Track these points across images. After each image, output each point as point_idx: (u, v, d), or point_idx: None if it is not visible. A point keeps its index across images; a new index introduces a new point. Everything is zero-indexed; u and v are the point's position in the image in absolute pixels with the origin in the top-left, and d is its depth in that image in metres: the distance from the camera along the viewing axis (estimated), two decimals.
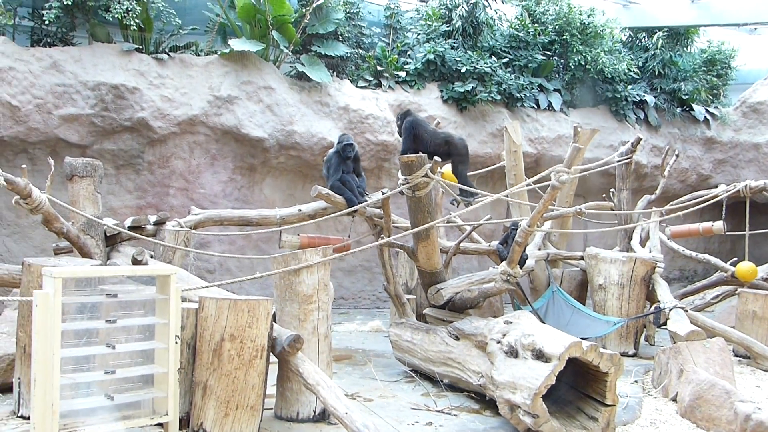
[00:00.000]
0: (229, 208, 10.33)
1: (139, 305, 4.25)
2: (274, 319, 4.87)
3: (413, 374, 6.65)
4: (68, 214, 6.02)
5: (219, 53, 11.10)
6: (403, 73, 12.71)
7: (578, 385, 5.23)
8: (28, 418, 4.20)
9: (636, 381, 6.99)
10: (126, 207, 10.52)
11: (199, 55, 11.15)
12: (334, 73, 12.20)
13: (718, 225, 9.82)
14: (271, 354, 4.61)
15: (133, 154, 10.57)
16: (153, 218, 6.60)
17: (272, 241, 10.92)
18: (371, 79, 12.57)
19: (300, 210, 7.35)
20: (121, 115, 10.21)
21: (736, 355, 8.35)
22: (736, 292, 9.42)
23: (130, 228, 6.34)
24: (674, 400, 6.18)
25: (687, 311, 7.66)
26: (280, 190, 11.85)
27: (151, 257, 5.98)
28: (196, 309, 4.53)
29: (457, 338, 6.04)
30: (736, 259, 9.95)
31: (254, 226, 7.37)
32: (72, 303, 3.93)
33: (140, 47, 10.62)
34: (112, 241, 6.46)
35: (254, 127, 11.04)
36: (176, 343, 4.21)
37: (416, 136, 7.05)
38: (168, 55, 10.76)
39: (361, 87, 12.36)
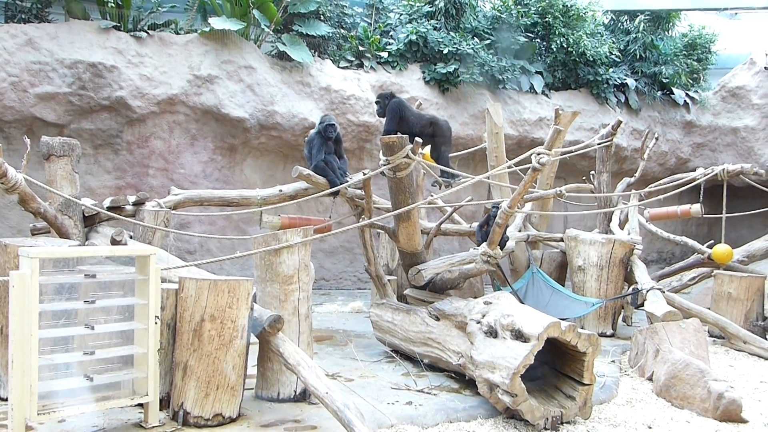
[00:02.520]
0: (210, 188, 10.27)
1: (119, 286, 4.22)
2: (254, 300, 4.86)
3: (394, 354, 6.69)
4: (45, 194, 5.95)
5: (199, 32, 10.99)
6: (385, 54, 12.65)
7: (557, 364, 5.29)
8: (6, 400, 4.18)
9: (613, 361, 7.08)
10: (105, 187, 10.43)
11: (178, 34, 11.02)
12: (316, 53, 12.13)
13: (696, 208, 9.92)
14: (251, 334, 4.61)
15: (112, 133, 10.46)
16: (132, 198, 6.54)
17: (253, 222, 10.89)
18: (353, 59, 12.50)
19: (281, 190, 7.32)
20: (99, 93, 10.09)
21: (711, 336, 8.48)
22: (712, 273, 9.56)
23: (109, 208, 6.28)
24: (650, 379, 6.27)
25: (664, 292, 7.75)
26: (261, 170, 11.80)
27: (131, 238, 5.93)
28: (176, 289, 4.51)
29: (437, 319, 6.07)
30: (712, 241, 10.07)
31: (235, 206, 7.33)
32: (50, 283, 3.90)
33: (118, 25, 10.48)
34: (90, 221, 6.39)
35: (235, 107, 10.96)
36: (156, 323, 4.20)
37: (402, 118, 7.05)
38: (147, 33, 10.63)
39: (343, 67, 12.30)
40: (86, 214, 6.32)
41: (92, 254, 4.24)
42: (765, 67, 15.29)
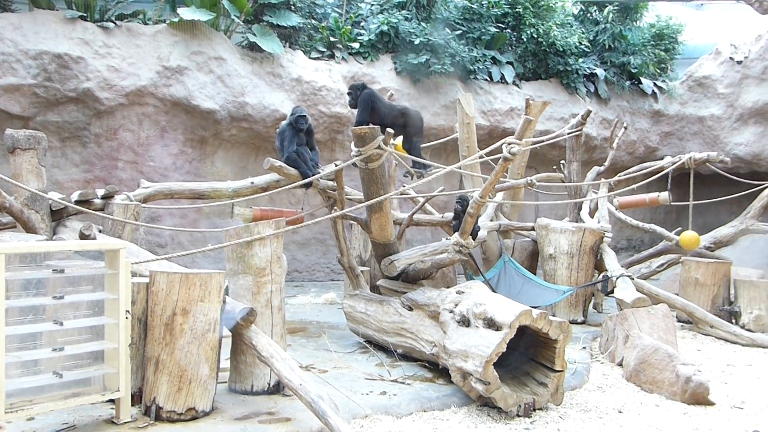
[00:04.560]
0: (180, 181, 10.18)
1: (88, 281, 4.16)
2: (227, 293, 4.82)
3: (367, 345, 6.69)
4: (11, 188, 5.84)
5: (168, 22, 10.84)
6: (356, 45, 12.60)
7: (529, 352, 5.33)
8: None
9: (584, 347, 7.15)
10: (72, 181, 10.27)
11: (146, 24, 10.87)
12: (287, 43, 12.03)
13: (664, 195, 10.04)
14: (224, 327, 4.58)
15: (79, 126, 10.30)
16: (101, 192, 6.45)
17: (225, 214, 10.81)
18: (324, 50, 12.43)
19: (252, 182, 7.27)
20: (66, 85, 9.92)
21: (679, 321, 8.60)
22: (680, 260, 9.69)
23: (77, 202, 6.19)
24: (620, 364, 6.34)
25: (633, 279, 7.84)
26: (232, 162, 11.71)
27: (100, 232, 5.85)
28: (147, 283, 4.46)
29: (410, 309, 6.08)
30: (680, 228, 10.20)
31: (206, 199, 7.27)
32: (16, 279, 3.83)
33: (84, 15, 10.30)
34: (58, 215, 6.29)
35: (205, 99, 10.85)
36: (127, 318, 4.15)
37: (373, 109, 7.02)
38: (114, 23, 10.46)
39: (314, 58, 12.23)
40: (53, 209, 6.22)
41: (60, 249, 4.16)
42: (730, 57, 15.48)
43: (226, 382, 5.05)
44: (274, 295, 5.12)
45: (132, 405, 4.31)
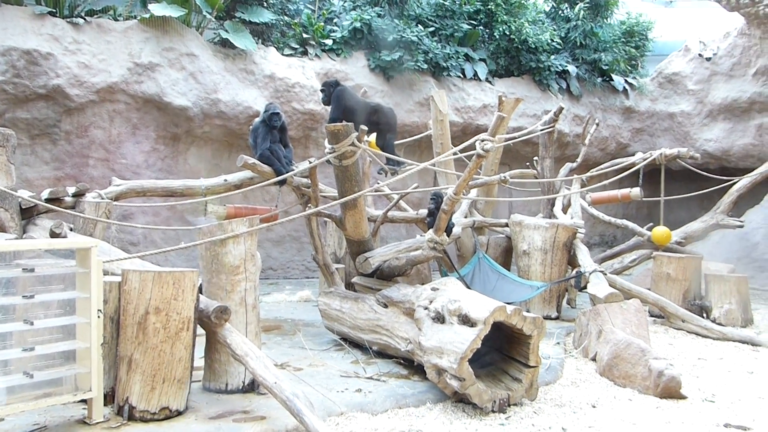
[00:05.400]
0: (153, 178, 10.08)
1: (59, 279, 4.10)
2: (200, 291, 4.79)
3: (342, 342, 6.68)
4: None
5: (138, 18, 10.73)
6: (329, 41, 12.57)
7: (503, 348, 5.36)
8: None
9: (558, 343, 7.21)
10: (43, 178, 10.13)
11: (117, 20, 10.74)
12: (259, 40, 11.97)
13: (636, 191, 10.17)
14: (197, 326, 4.55)
15: (49, 123, 10.15)
16: (72, 190, 6.36)
17: (198, 212, 10.74)
18: (297, 46, 12.39)
19: (226, 180, 7.22)
20: (35, 82, 9.77)
21: (651, 315, 8.71)
22: (652, 255, 9.81)
23: (48, 200, 6.09)
24: (594, 359, 6.41)
25: (606, 275, 7.91)
26: (205, 160, 11.64)
27: (71, 230, 5.77)
28: (119, 282, 4.41)
29: (385, 306, 6.08)
30: (652, 224, 10.35)
31: (179, 196, 7.20)
32: None
33: (54, 11, 10.15)
34: (28, 214, 6.19)
35: (177, 96, 10.77)
36: (99, 317, 4.10)
37: (347, 106, 7.02)
38: (84, 19, 10.33)
39: (287, 55, 12.18)
40: (23, 207, 6.12)
41: (30, 247, 4.10)
42: (699, 54, 15.70)
43: (200, 381, 5.02)
44: (248, 293, 5.10)
45: (105, 405, 4.26)
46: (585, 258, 8.49)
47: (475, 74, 14.02)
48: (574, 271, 8.48)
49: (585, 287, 7.87)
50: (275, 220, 7.36)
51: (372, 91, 12.09)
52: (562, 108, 9.65)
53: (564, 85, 15.16)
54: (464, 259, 9.28)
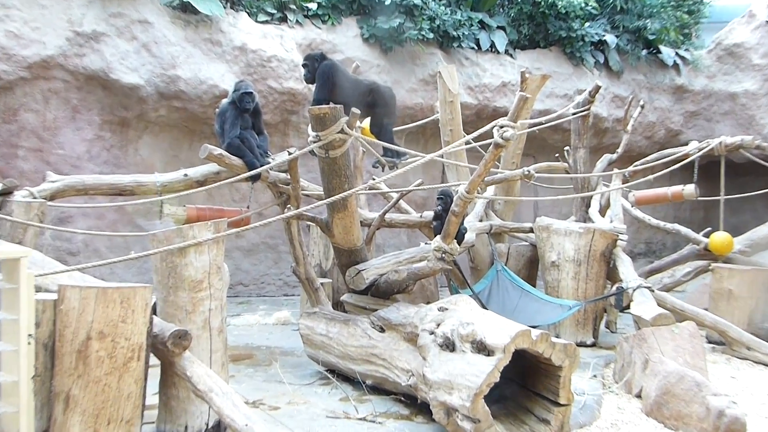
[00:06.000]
0: (96, 173, 10.06)
1: None
2: (154, 312, 4.78)
3: (329, 375, 6.67)
4: None
5: None
6: (313, 5, 12.56)
7: (527, 381, 5.35)
8: None
9: (595, 375, 7.20)
10: None
11: None
12: (228, 3, 11.97)
13: (690, 189, 10.16)
14: (151, 355, 4.53)
15: None
16: None
17: (152, 215, 10.70)
18: (274, 12, 12.38)
19: (186, 175, 7.22)
20: None
21: (709, 342, 8.70)
22: (710, 267, 9.78)
23: None
24: (638, 396, 6.40)
25: (653, 291, 7.90)
26: (161, 150, 11.63)
27: None
28: (55, 301, 4.40)
29: (382, 330, 6.08)
30: (710, 229, 10.33)
31: (128, 195, 7.20)
32: None
33: None
34: None
35: (127, 72, 10.76)
36: (29, 343, 4.09)
37: (335, 84, 7.01)
38: None
39: (262, 22, 12.17)
40: None
41: None
42: (767, 21, 15.69)
43: (153, 422, 5.01)
44: (213, 314, 5.09)
45: None
46: (628, 271, 8.48)
47: (493, 45, 14.03)
48: (614, 287, 8.47)
49: (628, 307, 7.86)
50: (247, 224, 7.35)
51: (366, 67, 12.09)
52: (599, 87, 9.65)
53: (601, 59, 15.18)
54: (479, 272, 9.28)
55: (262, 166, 6.80)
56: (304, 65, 7.31)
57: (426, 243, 7.80)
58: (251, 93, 7.06)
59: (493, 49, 14.06)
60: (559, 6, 14.19)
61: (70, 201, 8.16)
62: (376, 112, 7.39)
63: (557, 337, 5.95)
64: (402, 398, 5.93)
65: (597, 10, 15.05)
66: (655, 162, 10.04)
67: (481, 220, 9.43)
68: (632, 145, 13.26)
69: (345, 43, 12.55)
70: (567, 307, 8.14)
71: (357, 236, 6.75)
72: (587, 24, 14.76)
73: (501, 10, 14.48)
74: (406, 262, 6.87)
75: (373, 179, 7.51)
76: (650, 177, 8.95)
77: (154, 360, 4.60)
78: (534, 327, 5.13)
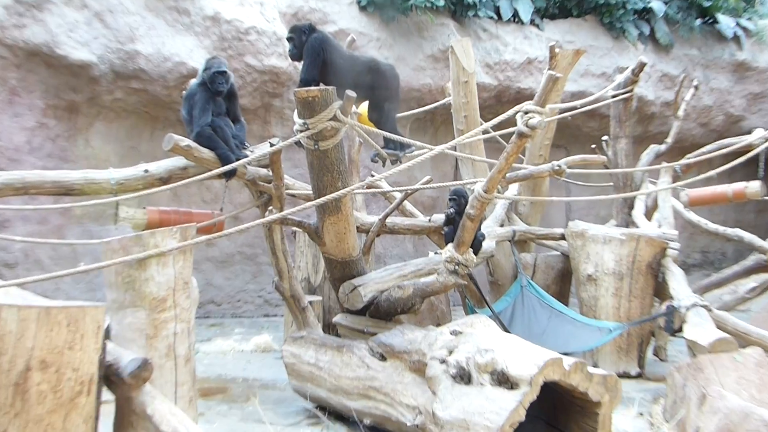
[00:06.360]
0: (39, 167, 10.06)
1: None
2: (107, 336, 4.77)
3: (319, 413, 6.67)
4: None
5: None
6: None
7: (558, 420, 5.34)
8: None
9: (641, 413, 7.19)
10: None
11: None
12: None
13: (754, 186, 10.16)
14: (104, 388, 4.53)
15: None
16: None
17: (105, 219, 10.72)
18: None
19: (147, 171, 7.19)
20: None
21: None
22: None
23: None
24: None
25: (711, 311, 7.89)
26: (117, 140, 11.64)
27: None
28: None
29: (382, 358, 6.07)
30: None
31: (77, 195, 7.19)
32: None
33: None
34: None
35: (76, 46, 10.77)
36: None
37: (327, 62, 7.01)
38: None
39: None
40: None
41: None
42: None
43: None
44: (179, 338, 5.08)
45: None
46: (680, 286, 8.47)
47: (516, 15, 14.05)
48: (663, 306, 8.47)
49: (680, 330, 7.86)
50: (220, 230, 7.35)
51: (363, 41, 12.10)
52: (644, 64, 9.65)
53: (646, 30, 15.19)
54: (500, 288, 9.28)
55: (238, 159, 6.79)
56: (289, 39, 7.30)
57: (436, 253, 7.80)
58: (225, 72, 7.05)
59: (516, 19, 14.08)
60: None
61: (7, 202, 8.16)
62: (376, 95, 7.39)
63: (595, 366, 5.93)
64: None
65: None
66: (713, 154, 10.03)
67: (502, 225, 9.43)
68: (684, 134, 13.26)
69: (338, 12, 12.57)
70: (606, 331, 8.12)
71: (352, 245, 6.75)
72: None
73: None
74: (411, 275, 6.86)
75: (372, 176, 7.49)
76: (709, 174, 8.92)
77: (107, 395, 4.60)
78: (567, 354, 5.12)
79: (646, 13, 15.05)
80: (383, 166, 7.40)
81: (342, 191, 6.17)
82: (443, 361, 5.40)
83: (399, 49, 12.80)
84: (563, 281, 9.61)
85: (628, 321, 8.45)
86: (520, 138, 5.31)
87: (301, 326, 7.46)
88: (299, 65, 7.25)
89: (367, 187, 7.85)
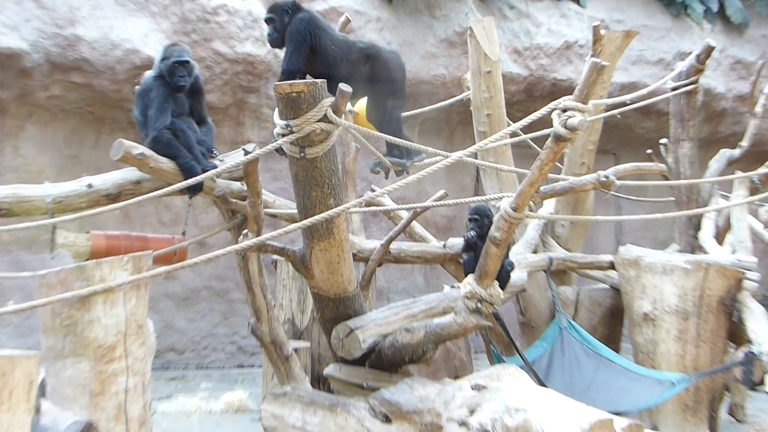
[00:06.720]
0: None
1: None
2: (42, 393, 4.77)
3: None
4: None
5: None
6: None
7: None
8: None
9: None
10: None
11: None
12: None
13: None
14: None
15: None
16: None
17: (40, 245, 10.75)
18: None
19: (90, 186, 7.21)
20: None
21: None
22: None
23: None
24: None
25: None
26: (55, 148, 11.69)
27: None
28: None
29: (387, 419, 6.06)
30: None
31: (4, 216, 7.22)
32: None
33: None
34: None
35: (3, 31, 10.82)
36: None
37: (314, 48, 7.03)
38: None
39: None
40: None
41: None
42: None
43: None
44: (131, 396, 5.09)
45: None
46: (760, 327, 8.47)
47: None
48: (740, 353, 8.45)
49: (761, 383, 7.85)
50: (182, 259, 7.36)
51: (361, 20, 12.15)
52: (712, 48, 9.68)
53: (714, 7, 15.24)
54: (534, 330, 9.28)
55: (204, 171, 6.80)
56: (267, 20, 7.31)
57: (453, 286, 7.79)
58: (188, 62, 7.08)
59: None
60: None
61: None
62: (377, 89, 7.41)
63: (654, 429, 5.89)
64: None
65: None
66: None
67: (535, 252, 9.43)
68: (764, 136, 13.27)
69: None
70: (668, 384, 8.11)
71: (348, 277, 6.74)
72: None
73: None
74: (422, 315, 6.86)
75: (372, 190, 7.51)
76: None
77: None
78: (619, 414, 5.12)
79: None
80: (386, 177, 7.40)
81: (335, 210, 6.18)
82: (463, 424, 5.39)
83: (405, 32, 12.84)
84: (613, 322, 9.60)
85: (695, 371, 8.44)
86: (557, 142, 5.31)
87: (283, 380, 7.46)
88: (281, 53, 7.26)
89: (365, 205, 7.86)
